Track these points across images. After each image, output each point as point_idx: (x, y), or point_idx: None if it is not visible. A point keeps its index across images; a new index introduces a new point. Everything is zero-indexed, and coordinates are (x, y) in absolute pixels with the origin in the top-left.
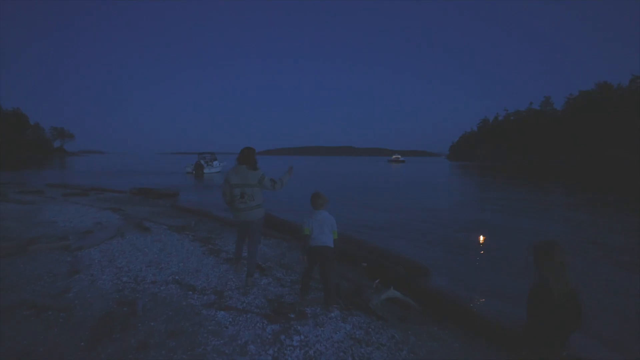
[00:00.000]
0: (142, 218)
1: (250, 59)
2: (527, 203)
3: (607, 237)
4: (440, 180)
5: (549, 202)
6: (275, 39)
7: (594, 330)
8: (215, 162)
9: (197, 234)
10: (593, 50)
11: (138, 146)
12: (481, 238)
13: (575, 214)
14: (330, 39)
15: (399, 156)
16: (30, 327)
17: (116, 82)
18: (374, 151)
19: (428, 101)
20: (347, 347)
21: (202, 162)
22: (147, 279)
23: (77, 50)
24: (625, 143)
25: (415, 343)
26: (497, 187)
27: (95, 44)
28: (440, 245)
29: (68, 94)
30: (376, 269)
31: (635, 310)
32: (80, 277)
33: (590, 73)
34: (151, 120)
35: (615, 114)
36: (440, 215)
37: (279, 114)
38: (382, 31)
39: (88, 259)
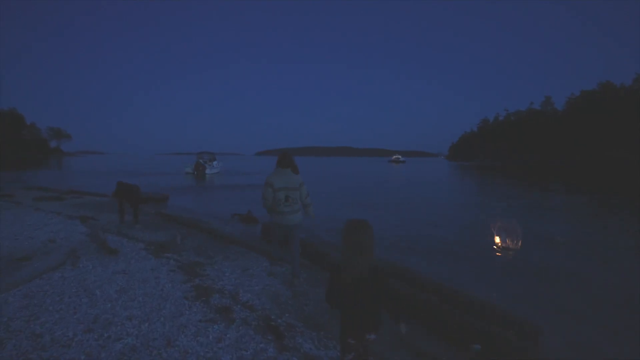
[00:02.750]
0: (114, 231)
1: (249, 61)
2: (537, 205)
3: (614, 239)
4: (446, 181)
5: (556, 204)
6: (273, 41)
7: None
8: (214, 162)
9: (181, 256)
10: (595, 50)
11: (138, 147)
12: (497, 239)
13: (582, 216)
14: (328, 41)
15: (399, 156)
16: None
17: (116, 84)
18: (372, 152)
19: (426, 102)
20: None
21: (202, 161)
22: None
23: (79, 52)
24: (627, 143)
25: None
26: (501, 188)
27: (97, 45)
28: (478, 260)
29: (68, 95)
30: (468, 332)
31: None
32: None
33: (592, 73)
34: (151, 121)
35: (617, 114)
36: (454, 219)
37: (277, 115)
38: (380, 32)
39: None
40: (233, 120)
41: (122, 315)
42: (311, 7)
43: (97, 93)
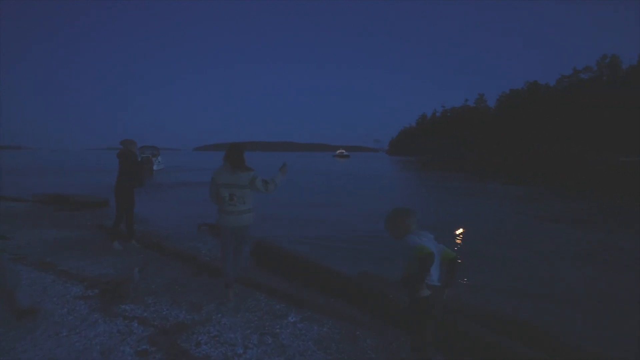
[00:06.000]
0: (35, 260)
1: (191, 58)
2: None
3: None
4: (395, 175)
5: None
6: (212, 36)
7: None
8: (159, 158)
9: (148, 309)
10: (526, 50)
11: (66, 141)
12: (460, 230)
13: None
14: (265, 35)
15: (344, 151)
16: None
17: (39, 75)
18: (314, 146)
19: (366, 97)
20: None
21: (146, 156)
22: None
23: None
24: (552, 138)
25: None
26: (446, 182)
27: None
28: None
29: None
30: None
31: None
32: None
33: (523, 72)
34: (80, 114)
35: (542, 111)
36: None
37: (215, 109)
38: (322, 27)
39: None
40: (169, 115)
41: None
42: (260, 4)
43: (15, 82)
